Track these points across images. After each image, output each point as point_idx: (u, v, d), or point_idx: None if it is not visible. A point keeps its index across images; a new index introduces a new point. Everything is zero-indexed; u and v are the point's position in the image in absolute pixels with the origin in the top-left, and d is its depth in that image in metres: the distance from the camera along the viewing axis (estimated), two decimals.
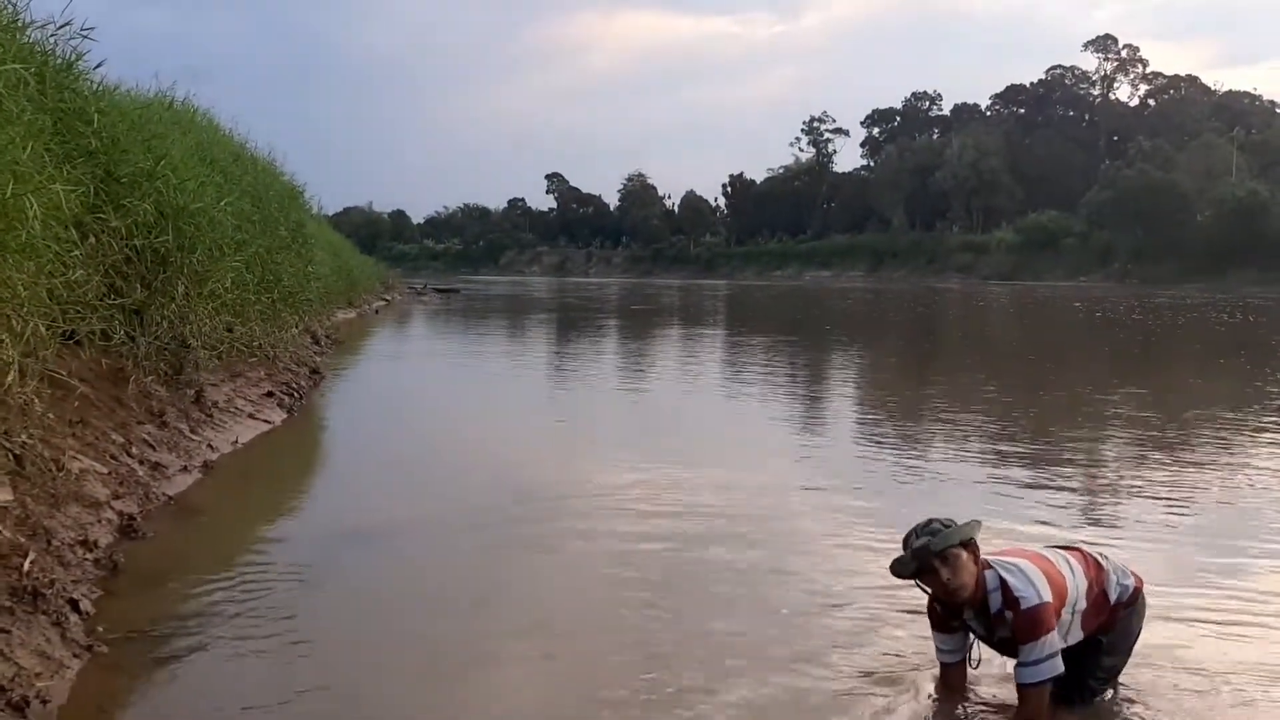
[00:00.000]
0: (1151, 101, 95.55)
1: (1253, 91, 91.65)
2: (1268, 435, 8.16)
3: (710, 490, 5.79)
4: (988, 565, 2.97)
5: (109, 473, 4.72)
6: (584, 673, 3.28)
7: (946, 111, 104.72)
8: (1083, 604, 3.01)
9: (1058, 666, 2.86)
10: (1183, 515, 5.51)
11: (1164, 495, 5.94)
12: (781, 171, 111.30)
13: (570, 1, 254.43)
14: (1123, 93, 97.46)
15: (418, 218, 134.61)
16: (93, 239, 5.38)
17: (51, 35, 5.66)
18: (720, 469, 6.52)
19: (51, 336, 4.51)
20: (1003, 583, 2.92)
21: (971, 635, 3.07)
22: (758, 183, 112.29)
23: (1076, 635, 3.01)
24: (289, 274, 10.36)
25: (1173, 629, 3.62)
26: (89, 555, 3.89)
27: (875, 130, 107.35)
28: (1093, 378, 13.43)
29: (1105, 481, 6.55)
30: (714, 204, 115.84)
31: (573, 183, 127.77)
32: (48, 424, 4.29)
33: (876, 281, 76.11)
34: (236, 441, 6.59)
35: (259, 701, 2.97)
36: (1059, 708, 2.94)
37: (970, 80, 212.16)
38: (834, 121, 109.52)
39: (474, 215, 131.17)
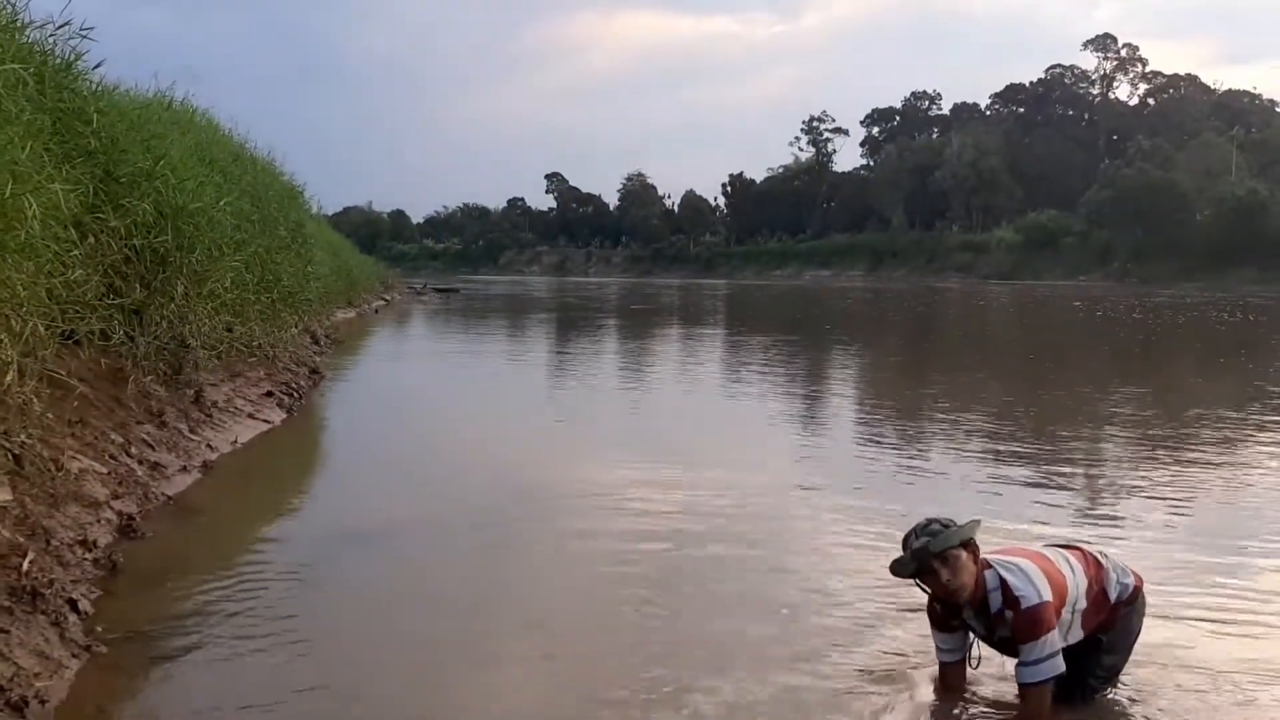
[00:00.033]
0: (1151, 101, 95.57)
1: (1252, 90, 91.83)
2: (1268, 434, 8.16)
3: (710, 489, 5.78)
4: (987, 564, 2.97)
5: (108, 472, 4.72)
6: (584, 672, 3.28)
7: (946, 111, 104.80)
8: (1083, 603, 3.01)
9: (1059, 666, 2.86)
10: (1183, 515, 5.51)
11: (1164, 495, 5.93)
12: (781, 171, 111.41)
13: (570, 1, 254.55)
14: (1122, 92, 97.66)
15: (417, 217, 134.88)
16: (92, 239, 5.37)
17: (50, 35, 5.66)
18: (720, 468, 6.52)
19: (50, 336, 4.51)
20: (1003, 582, 2.91)
21: (971, 634, 3.07)
22: (757, 182, 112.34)
23: (1077, 634, 3.01)
24: (288, 274, 10.35)
25: (1173, 628, 3.61)
26: (88, 555, 3.89)
27: (875, 130, 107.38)
28: (1093, 377, 13.43)
29: (1105, 481, 6.55)
30: (714, 203, 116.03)
31: (572, 182, 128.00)
32: (47, 424, 4.29)
33: (876, 281, 76.11)
34: (236, 441, 6.59)
35: (258, 701, 2.97)
36: (1059, 707, 2.94)
37: (970, 80, 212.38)
38: (834, 121, 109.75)
39: (473, 215, 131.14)
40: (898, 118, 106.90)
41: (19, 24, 5.19)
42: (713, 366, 14.77)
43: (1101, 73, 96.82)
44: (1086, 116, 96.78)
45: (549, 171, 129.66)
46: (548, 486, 6.00)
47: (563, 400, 11.03)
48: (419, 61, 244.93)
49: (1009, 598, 2.89)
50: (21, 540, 3.53)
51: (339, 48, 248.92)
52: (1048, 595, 2.88)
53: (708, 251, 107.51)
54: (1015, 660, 2.93)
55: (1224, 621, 3.75)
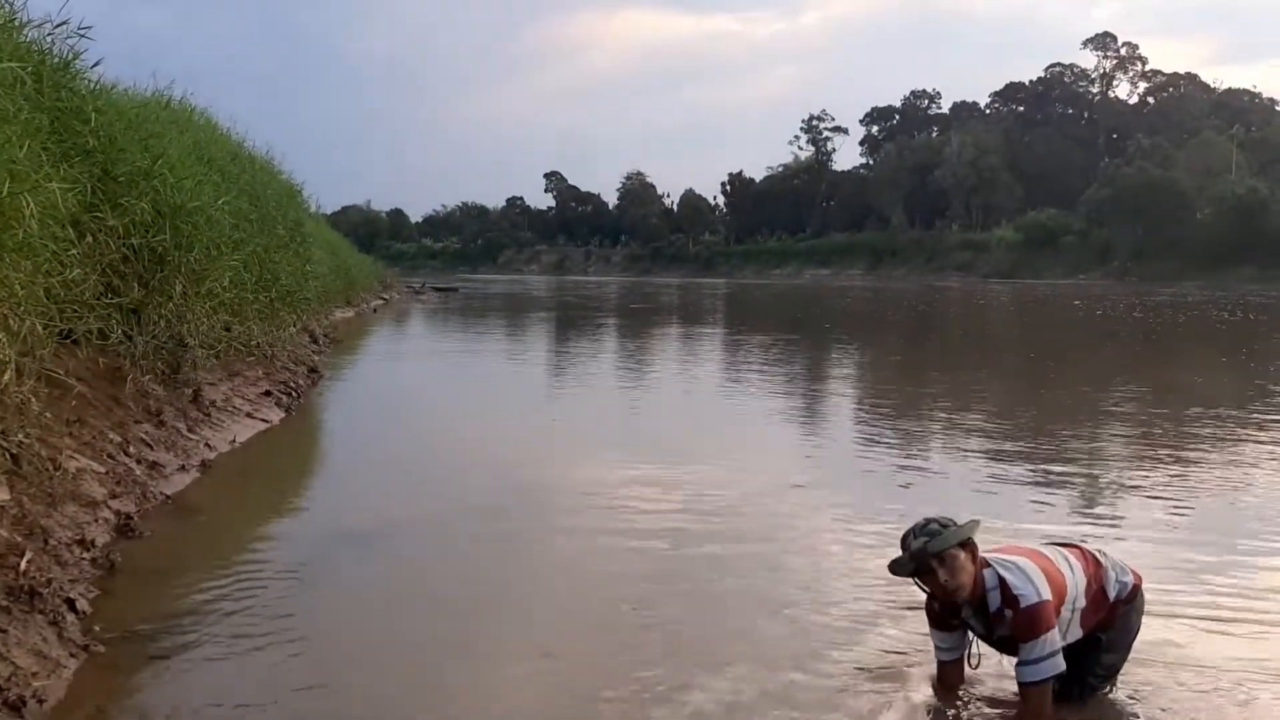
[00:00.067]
0: (1151, 99, 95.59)
1: (1252, 89, 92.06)
2: (1268, 434, 8.15)
3: (709, 488, 5.78)
4: (986, 563, 2.96)
5: (106, 472, 4.71)
6: (582, 671, 3.28)
7: (946, 110, 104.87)
8: (1082, 601, 3.00)
9: (1058, 664, 2.86)
10: (1183, 514, 5.50)
11: (1164, 493, 5.93)
12: (781, 170, 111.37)
13: (570, 1, 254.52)
14: (1122, 90, 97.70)
15: (416, 216, 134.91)
16: (90, 238, 5.37)
17: (49, 34, 5.66)
18: (719, 467, 6.51)
19: (48, 335, 4.51)
20: (1001, 581, 2.91)
21: (970, 633, 3.06)
22: (757, 181, 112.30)
23: (1076, 633, 3.00)
24: (287, 273, 10.36)
25: (1172, 626, 3.61)
26: (86, 554, 3.88)
27: (874, 129, 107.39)
28: (1093, 376, 13.42)
29: (1105, 480, 6.54)
30: (713, 202, 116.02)
31: (572, 182, 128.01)
32: (45, 423, 4.29)
33: (876, 280, 76.11)
34: (234, 440, 6.58)
35: (256, 700, 2.96)
36: (1059, 705, 2.93)
37: (970, 79, 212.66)
38: (833, 120, 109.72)
39: (472, 214, 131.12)
40: (897, 117, 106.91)
41: (17, 23, 5.19)
42: (712, 366, 14.76)
43: (1101, 71, 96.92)
44: (1086, 115, 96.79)
45: (548, 170, 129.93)
46: (546, 486, 6.00)
47: (561, 399, 11.03)
48: (419, 62, 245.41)
49: (1008, 596, 2.88)
50: (19, 539, 3.53)
51: (339, 48, 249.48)
52: (1047, 594, 2.87)
53: (707, 250, 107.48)
54: (1015, 659, 2.93)
55: (1224, 620, 3.74)
